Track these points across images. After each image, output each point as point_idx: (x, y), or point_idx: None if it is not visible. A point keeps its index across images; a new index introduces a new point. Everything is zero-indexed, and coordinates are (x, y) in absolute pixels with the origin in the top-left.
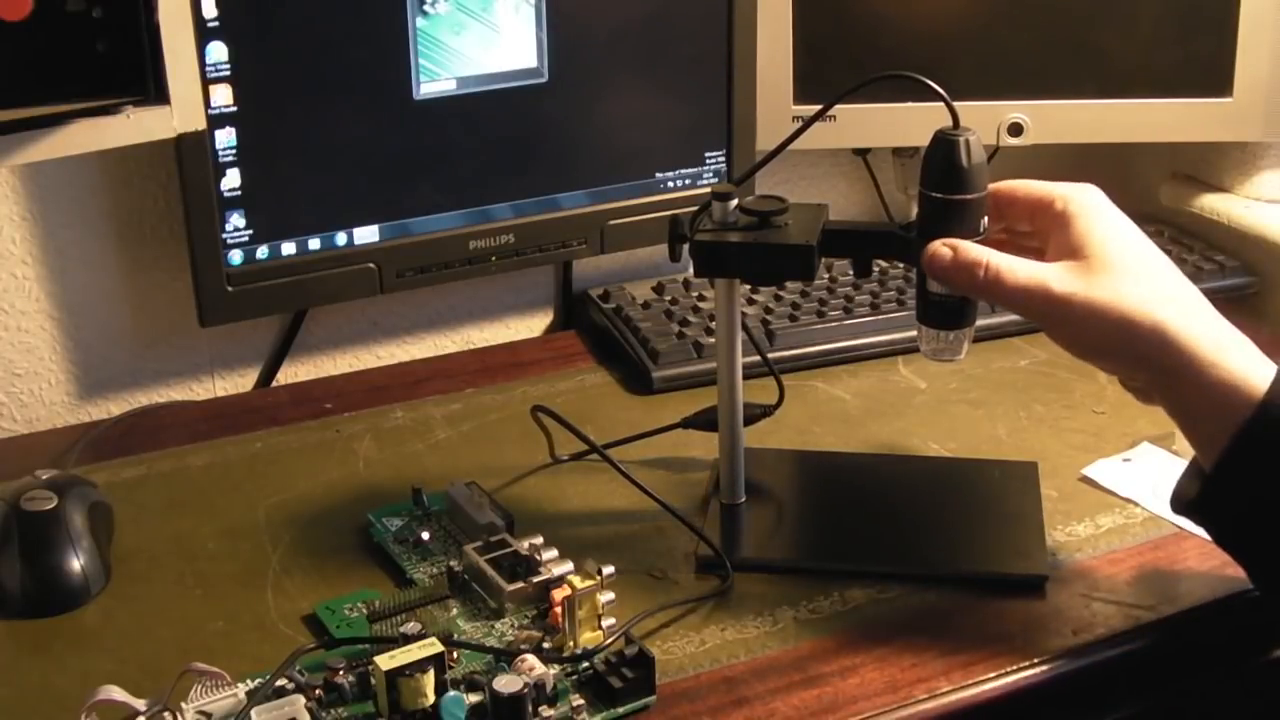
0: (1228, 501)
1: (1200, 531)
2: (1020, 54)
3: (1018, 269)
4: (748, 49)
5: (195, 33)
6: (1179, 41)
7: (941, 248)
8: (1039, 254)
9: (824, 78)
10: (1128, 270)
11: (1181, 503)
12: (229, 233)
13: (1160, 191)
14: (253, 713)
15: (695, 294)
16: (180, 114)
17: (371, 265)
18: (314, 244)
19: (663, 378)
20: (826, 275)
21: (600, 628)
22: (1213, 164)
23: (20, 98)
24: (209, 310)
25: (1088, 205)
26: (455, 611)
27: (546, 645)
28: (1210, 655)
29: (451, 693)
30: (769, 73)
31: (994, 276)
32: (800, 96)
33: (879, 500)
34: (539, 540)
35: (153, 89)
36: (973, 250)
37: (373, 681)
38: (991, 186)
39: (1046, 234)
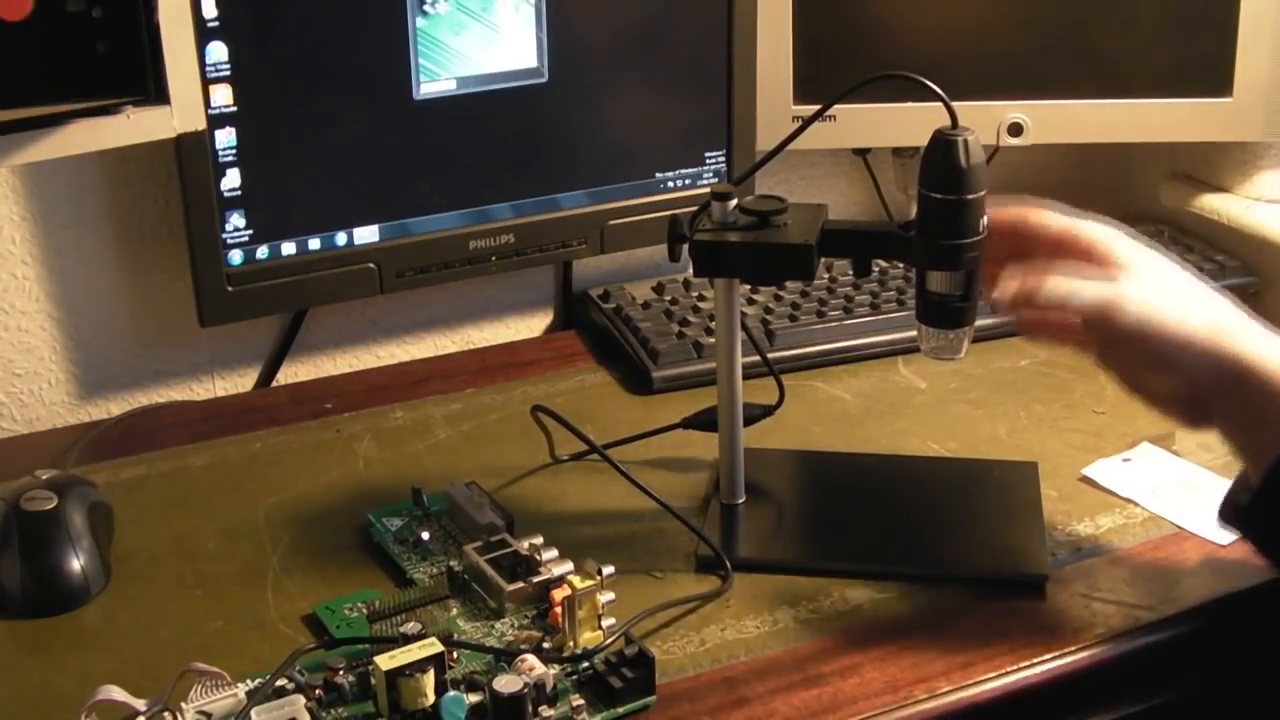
0: (1275, 513)
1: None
2: (1020, 54)
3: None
4: (748, 49)
5: (195, 33)
6: (1179, 41)
7: (1007, 283)
8: None
9: (824, 78)
10: (1165, 290)
11: (1231, 513)
12: (229, 233)
13: (1160, 191)
14: (253, 713)
15: (695, 294)
16: (180, 114)
17: (371, 265)
18: (314, 244)
19: (663, 378)
20: (826, 275)
21: (600, 628)
22: (1213, 164)
23: (20, 98)
24: (209, 310)
25: (1113, 234)
26: (455, 611)
27: (546, 645)
28: (1210, 655)
29: (451, 693)
30: (769, 73)
31: (1060, 301)
32: (800, 96)
33: (879, 500)
34: (539, 540)
35: (153, 89)
36: (1046, 283)
37: (373, 681)
38: (1011, 219)
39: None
